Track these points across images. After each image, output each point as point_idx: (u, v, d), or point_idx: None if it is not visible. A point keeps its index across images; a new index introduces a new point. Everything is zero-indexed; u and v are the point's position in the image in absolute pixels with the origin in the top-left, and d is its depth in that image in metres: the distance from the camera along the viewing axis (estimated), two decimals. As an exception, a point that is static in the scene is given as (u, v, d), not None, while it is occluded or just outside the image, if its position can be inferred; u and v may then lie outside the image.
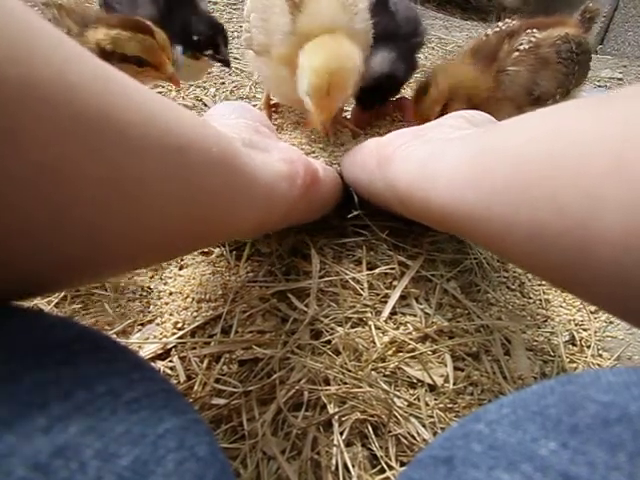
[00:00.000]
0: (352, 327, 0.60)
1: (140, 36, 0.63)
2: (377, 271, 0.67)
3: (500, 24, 0.90)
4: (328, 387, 0.53)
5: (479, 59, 0.85)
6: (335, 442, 0.49)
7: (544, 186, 0.29)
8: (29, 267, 0.25)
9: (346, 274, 0.66)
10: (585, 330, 0.68)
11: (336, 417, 0.51)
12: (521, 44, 0.83)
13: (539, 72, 0.83)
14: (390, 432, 0.51)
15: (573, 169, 0.27)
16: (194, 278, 0.65)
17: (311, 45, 0.70)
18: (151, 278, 0.65)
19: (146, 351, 0.55)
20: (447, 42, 1.68)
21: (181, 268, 0.67)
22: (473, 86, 0.82)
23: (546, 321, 0.68)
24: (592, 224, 0.26)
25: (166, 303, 0.62)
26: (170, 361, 0.55)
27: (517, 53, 0.83)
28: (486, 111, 0.63)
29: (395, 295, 0.64)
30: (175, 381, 0.53)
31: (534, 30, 0.85)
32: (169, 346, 0.56)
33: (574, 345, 0.66)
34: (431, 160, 0.46)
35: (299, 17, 0.71)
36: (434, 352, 0.59)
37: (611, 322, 0.71)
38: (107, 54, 0.62)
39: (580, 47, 0.87)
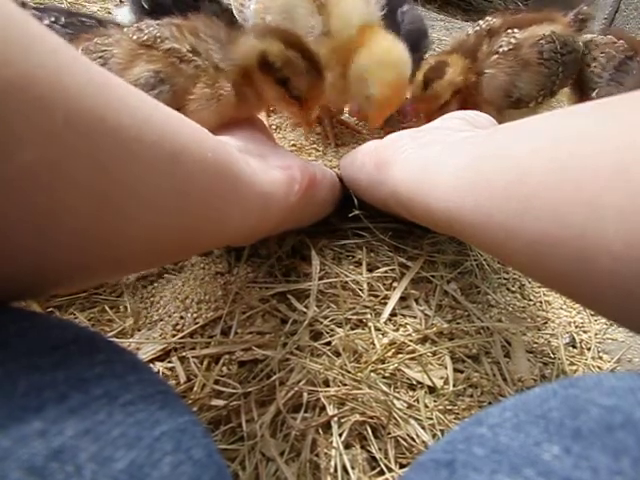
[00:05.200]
0: (352, 329, 0.60)
1: (315, 76, 0.57)
2: (377, 273, 0.67)
3: (481, 22, 0.89)
4: (327, 388, 0.53)
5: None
6: (334, 444, 0.49)
7: (545, 196, 0.29)
8: (14, 270, 0.24)
9: (346, 275, 0.66)
10: (585, 332, 0.68)
11: (335, 419, 0.50)
12: (500, 46, 0.82)
13: (519, 74, 0.82)
14: (389, 434, 0.50)
15: (575, 180, 0.27)
16: (194, 279, 0.65)
17: (374, 51, 0.73)
18: (151, 280, 0.65)
19: (145, 352, 0.55)
20: (448, 43, 1.68)
21: (181, 269, 0.67)
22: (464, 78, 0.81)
23: (546, 323, 0.68)
24: (592, 234, 0.26)
25: (166, 304, 0.61)
26: (170, 362, 0.55)
27: (496, 56, 0.82)
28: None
29: (395, 296, 0.64)
30: (174, 382, 0.53)
31: (515, 30, 0.83)
32: (169, 347, 0.56)
33: (574, 347, 0.66)
34: (431, 164, 0.46)
35: (329, 19, 0.72)
36: (434, 354, 0.59)
37: (611, 324, 0.70)
38: (269, 68, 0.55)
39: (566, 47, 0.85)
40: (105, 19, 0.78)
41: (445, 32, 1.82)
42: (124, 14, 0.90)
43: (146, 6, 0.83)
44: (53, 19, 0.65)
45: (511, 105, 0.84)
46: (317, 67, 0.57)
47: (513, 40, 0.82)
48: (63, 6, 1.21)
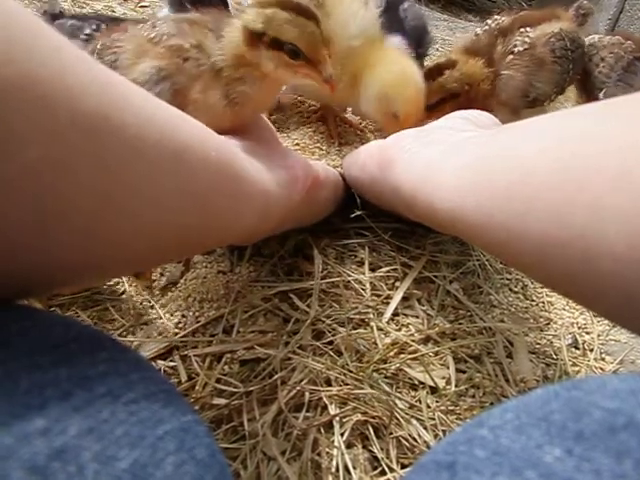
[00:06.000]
0: (354, 328, 0.60)
1: (301, 20, 0.49)
2: (379, 272, 0.67)
3: (489, 21, 0.89)
4: (329, 388, 0.53)
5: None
6: (336, 443, 0.49)
7: (547, 197, 0.29)
8: (17, 268, 0.24)
9: (348, 275, 0.66)
10: (588, 333, 0.68)
11: (337, 418, 0.50)
12: (515, 46, 0.82)
13: (535, 74, 0.82)
14: (391, 434, 0.50)
15: (577, 181, 0.27)
16: (196, 277, 0.65)
17: (391, 70, 0.75)
18: (153, 279, 0.65)
19: (147, 350, 0.55)
20: (451, 43, 1.68)
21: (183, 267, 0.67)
22: (479, 83, 0.81)
23: (549, 324, 0.68)
24: (594, 235, 0.26)
25: (168, 302, 0.61)
26: (171, 360, 0.55)
27: (511, 56, 0.82)
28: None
29: (397, 296, 0.64)
30: (176, 380, 0.53)
31: (527, 29, 0.83)
32: (171, 345, 0.56)
33: (577, 348, 0.66)
34: (434, 164, 0.46)
35: (328, 20, 0.72)
36: (436, 354, 0.59)
37: (614, 325, 0.70)
38: (255, 37, 0.50)
39: (574, 43, 0.85)
40: (143, 20, 0.76)
41: (449, 32, 1.82)
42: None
43: (188, 5, 0.81)
44: (95, 27, 0.64)
45: (527, 105, 0.84)
46: (306, 13, 0.50)
47: (527, 39, 0.81)
48: (106, 13, 1.19)
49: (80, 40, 0.62)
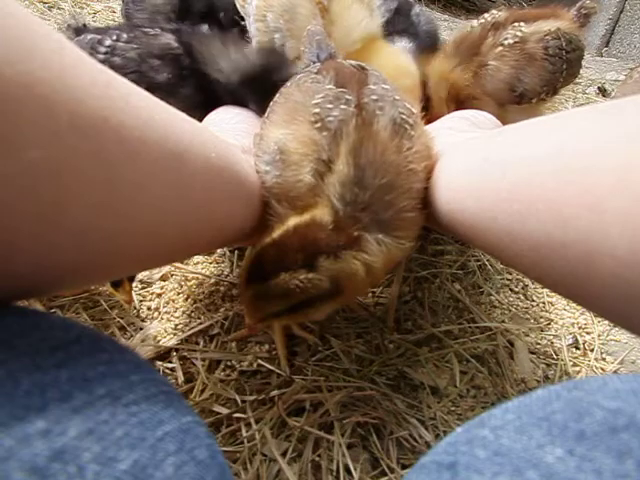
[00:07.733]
0: (355, 330, 0.60)
1: None
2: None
3: (486, 15, 0.88)
4: (330, 389, 0.53)
5: (461, 51, 0.83)
6: (336, 444, 0.49)
7: (549, 199, 0.29)
8: (18, 268, 0.24)
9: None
10: (588, 333, 0.68)
11: (338, 419, 0.50)
12: (506, 38, 0.81)
13: (524, 68, 0.81)
14: (392, 434, 0.50)
15: (578, 183, 0.27)
16: (196, 278, 0.65)
17: (385, 63, 0.74)
18: (153, 280, 0.65)
19: (146, 351, 0.55)
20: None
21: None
22: (452, 82, 0.81)
23: (549, 324, 0.68)
24: (596, 237, 0.26)
25: (166, 303, 0.61)
26: (170, 362, 0.55)
27: (500, 48, 0.81)
28: (468, 108, 0.63)
29: (397, 298, 0.64)
30: (173, 381, 0.53)
31: (521, 23, 0.82)
32: (170, 347, 0.56)
33: (577, 348, 0.66)
34: (434, 166, 0.46)
35: (332, 27, 0.72)
36: (437, 354, 0.59)
37: (614, 325, 0.70)
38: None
39: (571, 44, 0.84)
40: (167, 26, 0.73)
41: (449, 32, 1.83)
42: None
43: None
44: (115, 37, 0.63)
45: (514, 100, 0.83)
46: None
47: (519, 33, 0.81)
48: (107, 13, 1.19)
49: (101, 54, 0.62)
